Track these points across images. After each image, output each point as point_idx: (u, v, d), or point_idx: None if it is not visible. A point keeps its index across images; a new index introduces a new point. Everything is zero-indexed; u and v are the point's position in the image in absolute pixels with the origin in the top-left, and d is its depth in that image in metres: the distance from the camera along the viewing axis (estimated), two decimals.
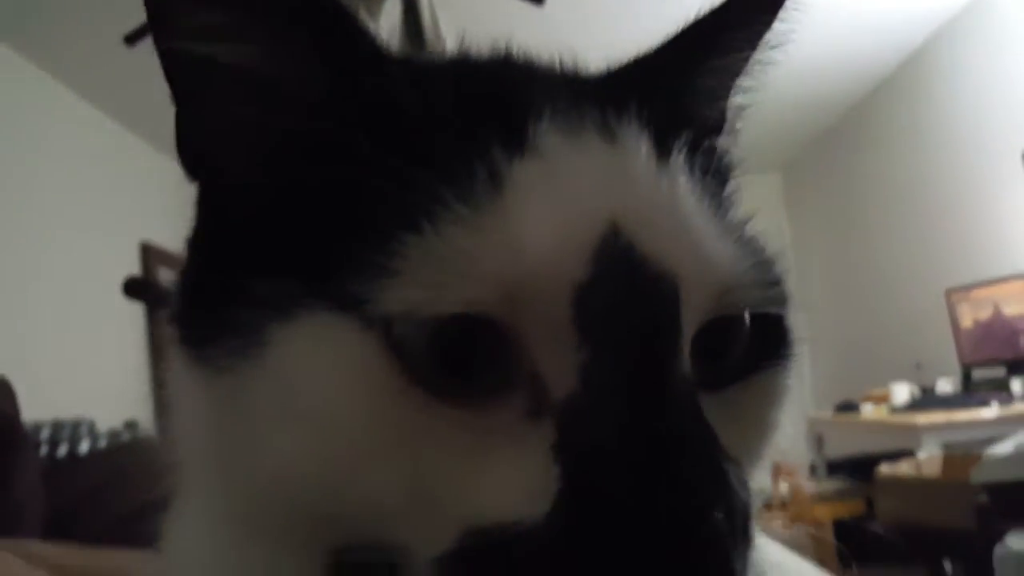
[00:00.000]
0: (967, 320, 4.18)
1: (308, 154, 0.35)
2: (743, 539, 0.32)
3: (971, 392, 3.97)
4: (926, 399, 4.04)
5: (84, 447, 1.70)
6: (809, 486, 4.25)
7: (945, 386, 4.15)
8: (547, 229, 0.32)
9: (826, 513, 3.80)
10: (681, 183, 0.35)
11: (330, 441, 0.32)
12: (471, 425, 0.32)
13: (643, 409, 0.31)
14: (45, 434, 1.70)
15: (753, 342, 0.38)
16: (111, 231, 4.14)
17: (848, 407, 4.60)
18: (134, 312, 3.81)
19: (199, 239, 0.40)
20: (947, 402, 3.82)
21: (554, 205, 0.32)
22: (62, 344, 3.61)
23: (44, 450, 1.60)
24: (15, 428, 1.35)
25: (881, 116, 5.32)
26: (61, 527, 1.16)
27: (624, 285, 0.32)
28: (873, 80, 5.19)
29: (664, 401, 0.31)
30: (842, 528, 3.74)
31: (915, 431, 3.51)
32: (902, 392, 4.25)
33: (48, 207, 3.84)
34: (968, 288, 4.20)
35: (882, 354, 5.18)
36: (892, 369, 4.66)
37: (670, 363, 0.32)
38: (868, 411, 4.30)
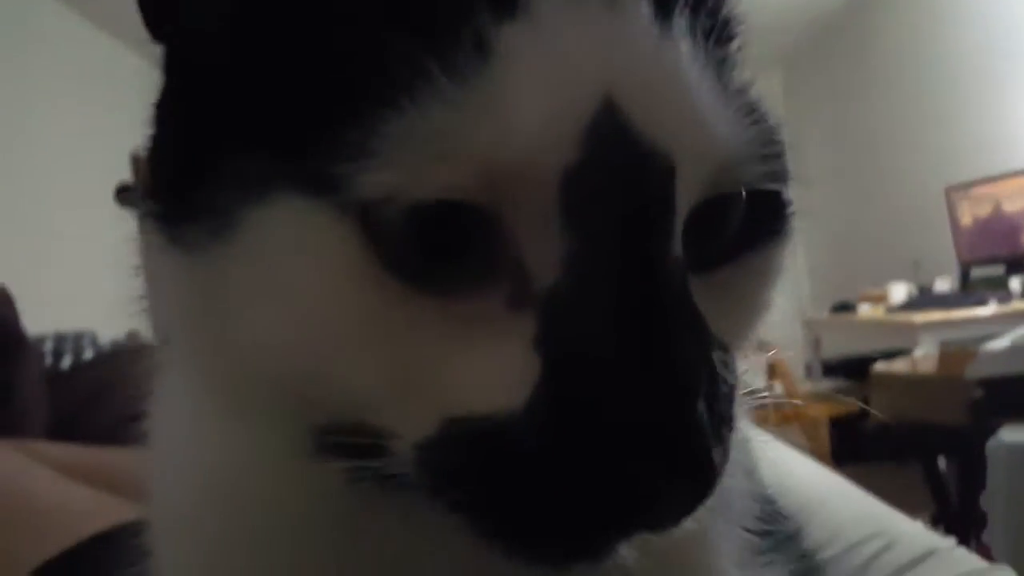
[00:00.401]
0: (966, 218, 4.17)
1: (278, 11, 0.32)
2: (726, 425, 0.31)
3: (969, 291, 3.98)
4: (924, 298, 4.06)
5: (87, 358, 1.71)
6: (805, 386, 4.30)
7: (943, 285, 4.17)
8: (535, 106, 0.29)
9: (821, 413, 3.85)
10: (684, 50, 0.31)
11: (305, 328, 0.31)
12: (452, 315, 0.31)
13: (628, 300, 0.29)
14: (48, 346, 1.70)
15: (748, 219, 0.36)
16: (107, 143, 4.12)
17: (845, 307, 4.62)
18: (133, 225, 3.80)
19: (166, 108, 0.37)
20: (945, 301, 3.83)
21: (545, 78, 0.29)
22: (61, 257, 3.62)
23: (48, 361, 1.61)
24: (16, 333, 1.35)
25: (884, 9, 5.21)
26: (64, 432, 1.18)
27: (616, 167, 0.30)
28: None
29: (651, 292, 0.30)
30: (837, 427, 3.80)
31: (912, 330, 3.53)
32: (899, 291, 4.26)
33: (45, 121, 3.83)
34: (968, 185, 4.18)
35: (880, 253, 5.18)
36: (890, 268, 4.67)
37: (661, 249, 0.30)
38: (865, 311, 4.32)
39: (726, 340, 0.33)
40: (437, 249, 0.31)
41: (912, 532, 0.86)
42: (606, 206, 0.30)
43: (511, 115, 0.29)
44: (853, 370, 4.12)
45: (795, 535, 0.45)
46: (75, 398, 1.37)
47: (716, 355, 0.31)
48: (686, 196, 0.32)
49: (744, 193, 0.35)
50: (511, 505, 0.30)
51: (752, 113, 0.34)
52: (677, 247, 0.31)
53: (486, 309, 0.31)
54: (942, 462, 2.88)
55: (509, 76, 0.29)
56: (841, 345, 4.65)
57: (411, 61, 0.29)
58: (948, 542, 0.84)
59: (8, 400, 1.25)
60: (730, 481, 0.34)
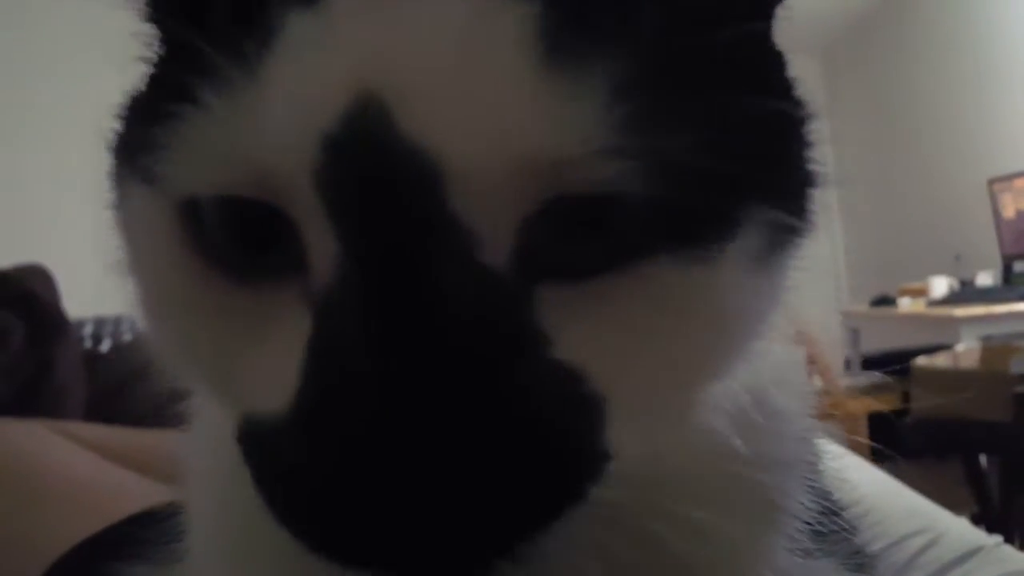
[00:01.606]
0: (1009, 210, 4.10)
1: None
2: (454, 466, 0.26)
3: (1012, 285, 3.92)
4: (965, 292, 4.00)
5: (126, 341, 1.73)
6: (843, 380, 4.25)
7: (985, 279, 4.11)
8: (286, 104, 0.27)
9: (860, 408, 3.81)
10: (497, 38, 0.27)
11: (150, 303, 0.35)
12: (257, 309, 0.30)
13: (385, 314, 0.27)
14: (88, 330, 1.72)
15: (656, 225, 0.29)
16: None
17: (884, 301, 4.57)
18: None
19: None
20: (986, 295, 3.77)
21: (300, 75, 0.27)
22: (104, 241, 3.66)
23: (87, 345, 1.63)
24: (56, 314, 1.37)
25: None
26: (101, 413, 1.19)
27: (364, 170, 0.27)
28: None
29: (413, 303, 0.27)
30: (876, 423, 3.76)
31: (953, 324, 3.48)
32: (940, 285, 4.21)
33: (89, 99, 3.86)
34: (1011, 177, 4.10)
35: (920, 246, 5.11)
36: (931, 262, 4.61)
37: (433, 257, 0.27)
38: (905, 304, 4.27)
39: (614, 381, 0.29)
40: (246, 242, 0.30)
41: (958, 528, 0.84)
42: (361, 210, 0.27)
43: (266, 113, 0.27)
44: (893, 365, 4.07)
45: (850, 530, 0.43)
46: (113, 380, 1.39)
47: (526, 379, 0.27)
48: (499, 199, 0.28)
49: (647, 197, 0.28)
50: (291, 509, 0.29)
51: (635, 113, 0.27)
52: (468, 250, 0.28)
53: (284, 306, 0.30)
54: (983, 460, 2.84)
55: (281, 67, 0.28)
56: (880, 339, 4.59)
57: (201, 54, 0.28)
58: (995, 539, 0.83)
59: (46, 380, 1.27)
60: (779, 479, 0.36)
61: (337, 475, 0.26)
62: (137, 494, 0.85)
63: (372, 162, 0.27)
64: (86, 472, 0.92)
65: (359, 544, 0.27)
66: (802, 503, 0.39)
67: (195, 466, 0.43)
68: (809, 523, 0.39)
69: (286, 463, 0.28)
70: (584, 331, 0.29)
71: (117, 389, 1.33)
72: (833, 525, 0.41)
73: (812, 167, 0.35)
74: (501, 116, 0.27)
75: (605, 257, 0.29)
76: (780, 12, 0.37)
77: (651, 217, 0.29)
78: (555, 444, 0.27)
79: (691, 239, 0.29)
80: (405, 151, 0.26)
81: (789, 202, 0.32)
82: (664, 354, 0.30)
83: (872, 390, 4.04)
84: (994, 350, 2.71)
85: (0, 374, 1.25)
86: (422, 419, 0.26)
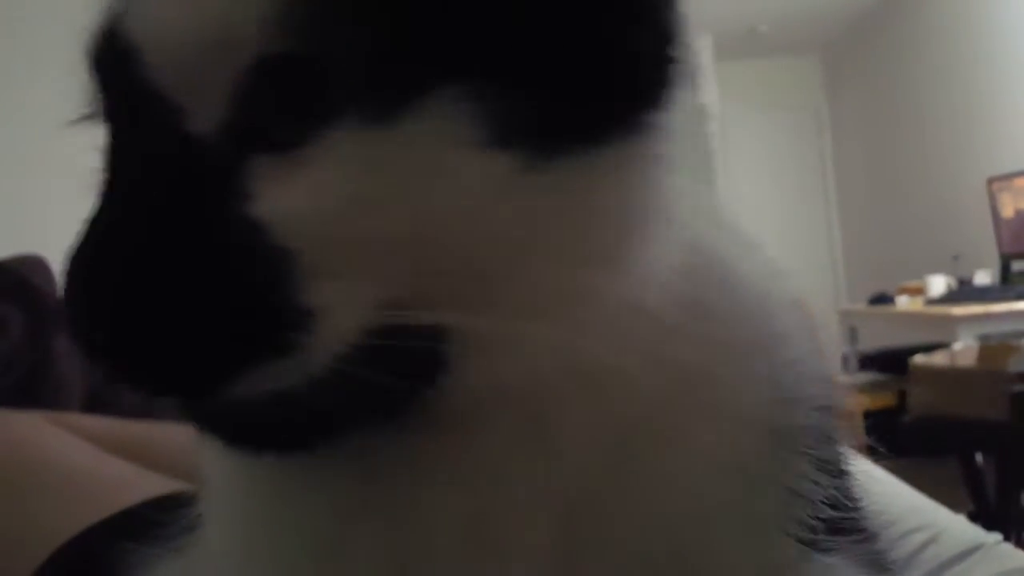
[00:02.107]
0: (1008, 209, 4.10)
1: None
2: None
3: (1010, 284, 3.92)
4: (963, 291, 4.01)
5: None
6: (840, 379, 4.26)
7: (983, 278, 4.11)
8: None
9: (856, 405, 3.82)
10: None
11: None
12: None
13: (110, 170, 0.32)
14: None
15: (345, 94, 0.30)
16: None
17: (882, 299, 4.57)
18: None
19: None
20: (984, 294, 3.78)
21: None
22: None
23: None
24: (53, 304, 1.36)
25: None
26: (99, 405, 1.19)
27: (99, 52, 0.33)
28: None
29: (126, 162, 0.32)
30: (872, 420, 3.76)
31: (951, 323, 3.49)
32: (938, 284, 4.21)
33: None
34: (1010, 177, 4.11)
35: (919, 245, 5.12)
36: (929, 260, 4.62)
37: (140, 125, 0.31)
38: (903, 303, 4.27)
39: (321, 243, 0.30)
40: None
41: (957, 526, 0.84)
42: (103, 92, 0.34)
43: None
44: (890, 363, 4.08)
45: (870, 533, 0.42)
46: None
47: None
48: (197, 71, 0.30)
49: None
50: None
51: None
52: (174, 121, 0.31)
53: None
54: (979, 458, 2.84)
55: None
56: (878, 337, 4.60)
57: None
58: (994, 537, 0.83)
59: (45, 371, 1.26)
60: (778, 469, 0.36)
61: (78, 306, 0.31)
62: (136, 485, 0.85)
63: (103, 43, 0.33)
64: (85, 463, 0.91)
65: (105, 361, 0.31)
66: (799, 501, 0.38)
67: (212, 458, 0.43)
68: (825, 505, 0.38)
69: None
70: (292, 197, 0.30)
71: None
72: (851, 517, 0.39)
73: (619, 49, 0.32)
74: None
75: (306, 126, 0.30)
76: None
77: (340, 85, 0.30)
78: (245, 291, 0.30)
79: (378, 109, 0.30)
80: (116, 40, 0.32)
81: (532, 83, 0.31)
82: (364, 221, 0.31)
83: (869, 388, 4.05)
84: (992, 349, 2.72)
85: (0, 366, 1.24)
86: (130, 264, 0.30)
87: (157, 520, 0.49)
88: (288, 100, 0.30)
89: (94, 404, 1.22)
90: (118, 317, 0.29)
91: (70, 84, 0.38)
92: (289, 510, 0.38)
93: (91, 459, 0.93)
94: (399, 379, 0.31)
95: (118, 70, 0.32)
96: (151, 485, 0.85)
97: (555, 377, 0.34)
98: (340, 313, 0.30)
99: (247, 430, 0.34)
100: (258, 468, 0.37)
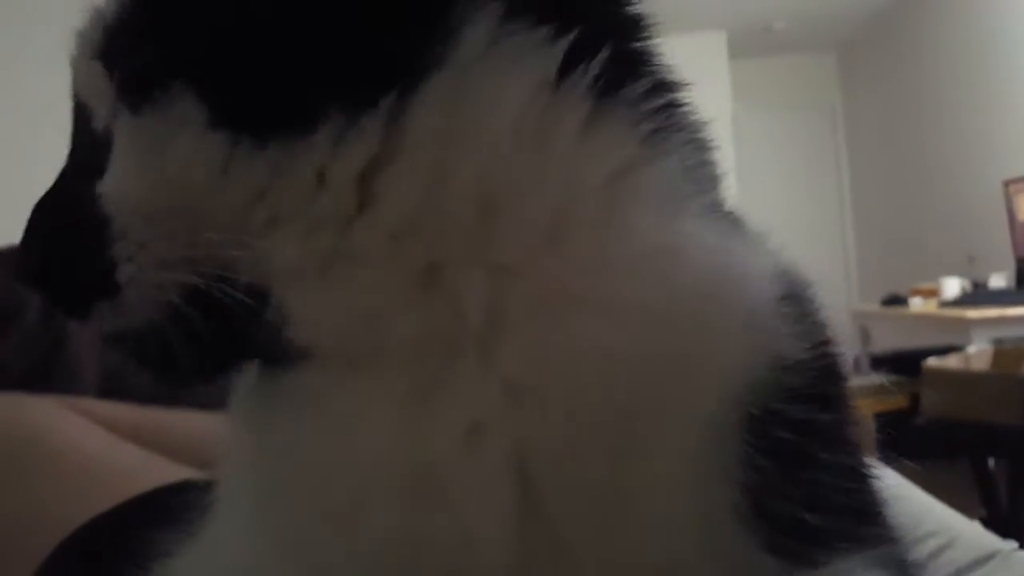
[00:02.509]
0: None
1: None
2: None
3: None
4: (977, 294, 3.99)
5: None
6: (852, 380, 4.24)
7: (998, 281, 4.09)
8: None
9: (867, 407, 3.80)
10: None
11: None
12: None
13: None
14: None
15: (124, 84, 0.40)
16: None
17: (896, 300, 4.55)
18: None
19: None
20: (999, 297, 3.76)
21: None
22: None
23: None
24: None
25: None
26: (113, 390, 1.19)
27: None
28: None
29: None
30: (884, 422, 3.74)
31: (965, 326, 3.47)
32: (952, 286, 4.20)
33: None
34: None
35: (933, 246, 5.10)
36: (943, 262, 4.60)
37: (79, 130, 0.43)
38: (916, 305, 4.25)
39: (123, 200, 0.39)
40: None
41: (972, 532, 0.83)
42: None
43: None
44: (903, 365, 4.05)
45: (891, 535, 0.40)
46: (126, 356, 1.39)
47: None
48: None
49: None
50: None
51: None
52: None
53: None
54: (991, 462, 2.83)
55: None
56: (891, 339, 4.58)
57: None
58: (1010, 544, 0.82)
59: (60, 356, 1.26)
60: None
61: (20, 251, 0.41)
62: (149, 472, 0.85)
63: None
64: (98, 450, 0.91)
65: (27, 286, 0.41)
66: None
67: (231, 446, 0.44)
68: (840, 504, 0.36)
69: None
70: (109, 174, 0.40)
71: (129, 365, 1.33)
72: (870, 517, 0.38)
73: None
74: None
75: (109, 119, 0.41)
76: None
77: (119, 88, 0.40)
78: (81, 245, 0.39)
79: (135, 101, 0.39)
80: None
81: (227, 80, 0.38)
82: (135, 191, 0.39)
83: (880, 390, 4.03)
84: (1006, 353, 2.70)
85: (14, 349, 1.24)
86: (36, 226, 0.41)
87: (169, 507, 0.51)
88: (105, 100, 0.41)
89: (107, 388, 1.22)
90: (28, 261, 0.41)
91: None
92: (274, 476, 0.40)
93: (105, 445, 0.93)
94: (223, 323, 0.38)
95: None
96: (164, 472, 0.85)
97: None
98: (139, 264, 0.38)
99: (145, 360, 0.41)
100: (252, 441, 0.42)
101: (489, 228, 0.36)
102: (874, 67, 6.07)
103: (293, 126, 0.36)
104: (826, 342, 0.39)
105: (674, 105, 0.41)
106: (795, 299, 0.38)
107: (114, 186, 0.40)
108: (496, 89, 0.37)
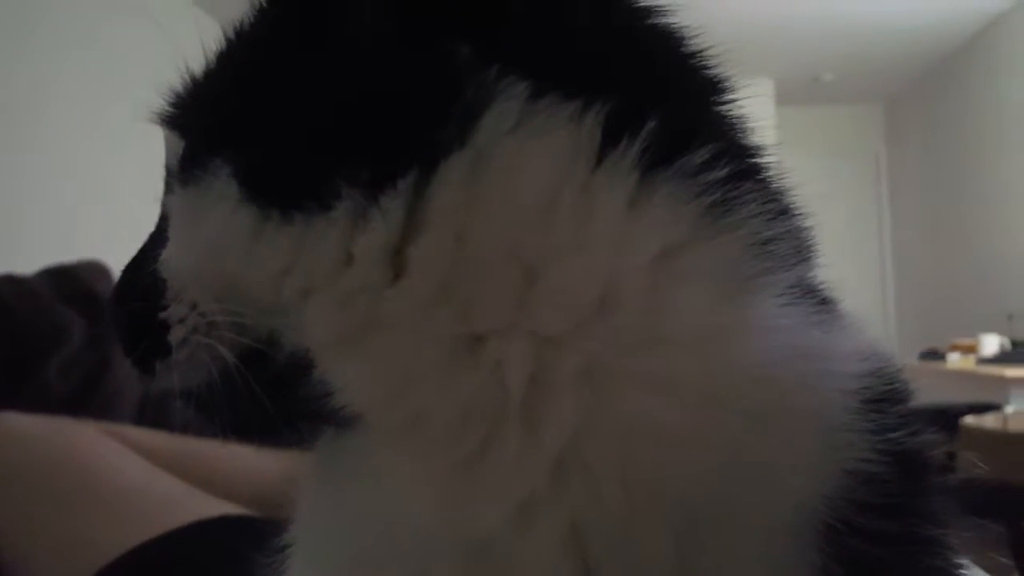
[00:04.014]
0: None
1: None
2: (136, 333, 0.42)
3: None
4: (1017, 352, 3.93)
5: None
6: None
7: None
8: None
9: None
10: None
11: None
12: None
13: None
14: None
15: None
16: None
17: (933, 355, 4.49)
18: None
19: None
20: None
21: None
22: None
23: None
24: None
25: (994, 53, 5.08)
26: (152, 413, 1.20)
27: None
28: (987, 16, 4.96)
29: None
30: None
31: (1003, 384, 3.42)
32: (991, 343, 4.13)
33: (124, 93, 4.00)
34: None
35: (973, 302, 5.04)
36: (982, 319, 4.54)
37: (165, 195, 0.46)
38: (954, 360, 4.19)
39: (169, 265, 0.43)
40: None
41: None
42: None
43: None
44: (938, 420, 3.99)
45: None
46: None
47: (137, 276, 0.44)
48: None
49: None
50: None
51: None
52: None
53: None
54: None
55: None
56: (927, 394, 4.51)
57: None
58: None
59: (103, 380, 1.27)
60: None
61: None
62: (187, 505, 0.86)
63: None
64: (138, 479, 0.92)
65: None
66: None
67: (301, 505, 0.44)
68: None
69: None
70: (174, 235, 0.43)
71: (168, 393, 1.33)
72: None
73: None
74: None
75: (166, 191, 0.45)
76: None
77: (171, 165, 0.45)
78: (142, 306, 0.42)
79: (183, 177, 0.42)
80: None
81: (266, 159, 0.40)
82: (181, 258, 0.43)
83: None
84: None
85: (58, 371, 1.26)
86: (119, 287, 0.45)
87: (206, 541, 0.53)
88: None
89: (146, 414, 1.23)
90: (110, 313, 0.45)
91: (137, 106, 0.45)
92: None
93: (144, 475, 0.94)
94: (274, 385, 0.39)
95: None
96: (202, 506, 0.86)
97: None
98: (189, 327, 0.41)
99: (207, 417, 0.42)
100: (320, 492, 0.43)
101: (530, 299, 0.36)
102: (920, 121, 6.04)
103: (312, 203, 0.37)
104: (914, 434, 0.37)
105: (747, 172, 0.39)
106: (881, 395, 0.36)
107: (169, 253, 0.43)
108: (523, 165, 0.36)
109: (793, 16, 4.80)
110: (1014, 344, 4.13)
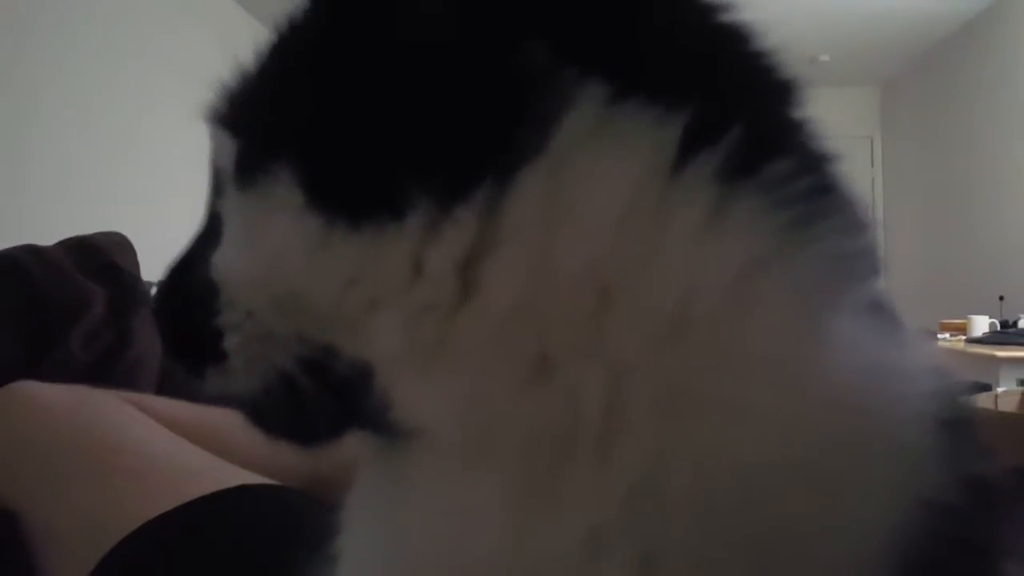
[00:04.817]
0: None
1: None
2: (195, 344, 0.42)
3: None
4: (1006, 333, 3.96)
5: None
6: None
7: None
8: None
9: None
10: None
11: None
12: None
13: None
14: (150, 292, 1.73)
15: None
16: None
17: (925, 335, 4.52)
18: None
19: None
20: None
21: None
22: (171, 209, 3.88)
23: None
24: (137, 284, 1.37)
25: (990, 38, 5.09)
26: (173, 383, 1.20)
27: None
28: (983, 1, 4.97)
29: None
30: None
31: (993, 364, 3.44)
32: (981, 324, 4.16)
33: (154, 71, 4.12)
34: None
35: (964, 284, 5.07)
36: (973, 300, 4.56)
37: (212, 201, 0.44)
38: (944, 341, 4.22)
39: (219, 271, 0.41)
40: None
41: None
42: None
43: None
44: None
45: None
46: None
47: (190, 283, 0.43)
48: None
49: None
50: None
51: None
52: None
53: None
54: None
55: None
56: None
57: None
58: None
59: (124, 350, 1.27)
60: None
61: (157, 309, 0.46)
62: (211, 474, 0.84)
63: None
64: (162, 448, 0.91)
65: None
66: None
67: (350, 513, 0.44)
68: None
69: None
70: (229, 239, 0.41)
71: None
72: None
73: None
74: None
75: (216, 194, 0.44)
76: None
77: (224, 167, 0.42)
78: (196, 308, 0.41)
79: (240, 181, 0.40)
80: None
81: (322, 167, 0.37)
82: (236, 264, 0.41)
83: None
84: None
85: (80, 342, 1.26)
86: (167, 287, 0.45)
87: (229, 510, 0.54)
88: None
89: (166, 383, 1.24)
90: (157, 316, 0.45)
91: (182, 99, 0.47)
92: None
93: (168, 444, 0.93)
94: (330, 395, 0.38)
95: None
96: (224, 475, 0.85)
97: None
98: (244, 334, 0.40)
99: (258, 422, 0.42)
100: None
101: (605, 320, 0.33)
102: (915, 105, 6.05)
103: (383, 212, 0.35)
104: (985, 458, 0.36)
105: (825, 184, 0.37)
106: (951, 416, 0.35)
107: (223, 257, 0.41)
108: (602, 175, 0.34)
109: None
110: (1003, 325, 4.17)
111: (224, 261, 0.41)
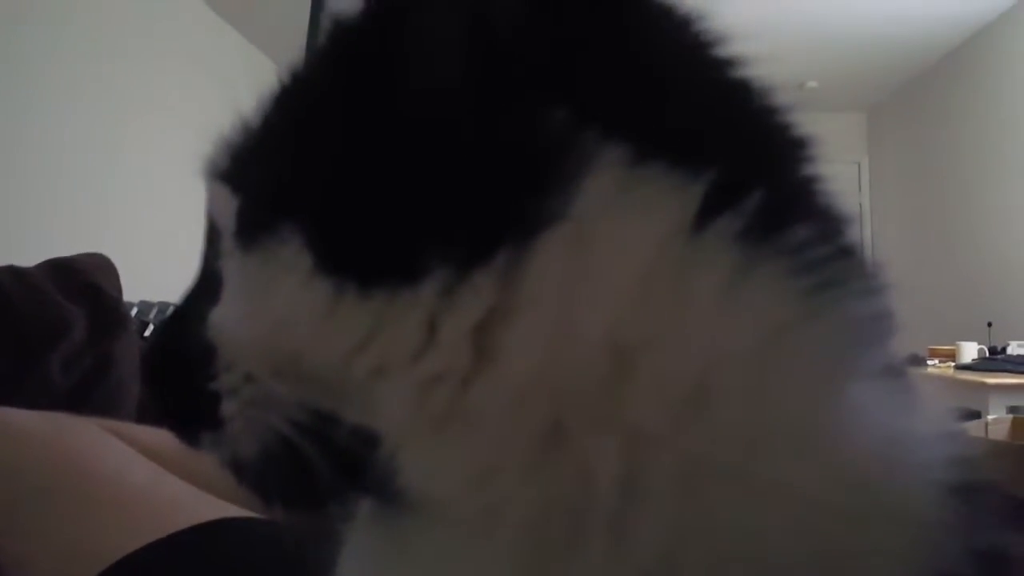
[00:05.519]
0: None
1: None
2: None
3: None
4: (995, 359, 3.97)
5: None
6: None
7: (1018, 349, 4.07)
8: None
9: None
10: None
11: None
12: None
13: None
14: (132, 313, 1.72)
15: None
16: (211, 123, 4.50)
17: (914, 361, 4.53)
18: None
19: None
20: (1017, 364, 3.74)
21: None
22: (154, 229, 3.82)
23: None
24: (119, 308, 1.36)
25: (975, 66, 5.14)
26: (151, 413, 1.18)
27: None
28: (970, 28, 5.03)
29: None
30: None
31: (983, 391, 3.46)
32: (970, 350, 4.17)
33: (158, 101, 4.18)
34: None
35: (953, 310, 5.08)
36: (962, 326, 4.58)
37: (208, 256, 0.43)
38: (933, 367, 4.23)
39: (218, 329, 0.39)
40: None
41: None
42: None
43: None
44: None
45: None
46: None
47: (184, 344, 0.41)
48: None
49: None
50: None
51: None
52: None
53: None
54: None
55: None
56: None
57: None
58: None
59: (105, 376, 1.26)
60: None
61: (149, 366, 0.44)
62: (190, 507, 0.84)
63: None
64: (142, 479, 0.89)
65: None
66: None
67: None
68: None
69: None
70: (230, 300, 0.39)
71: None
72: None
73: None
74: None
75: (217, 256, 0.41)
76: None
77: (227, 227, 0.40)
78: (192, 368, 0.39)
79: (244, 241, 0.38)
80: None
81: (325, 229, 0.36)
82: (238, 326, 0.39)
83: None
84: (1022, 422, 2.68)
85: (60, 366, 1.24)
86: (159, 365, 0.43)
87: (209, 545, 0.52)
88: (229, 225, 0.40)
89: (148, 410, 1.22)
90: (147, 376, 0.44)
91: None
92: None
93: (149, 475, 0.92)
94: (328, 461, 0.36)
95: None
96: (207, 507, 0.84)
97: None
98: (242, 399, 0.38)
99: (257, 488, 0.39)
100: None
101: (624, 388, 0.32)
102: (901, 130, 6.10)
103: (397, 277, 0.34)
104: (999, 528, 0.34)
105: (844, 249, 0.36)
106: (965, 484, 0.33)
107: (222, 317, 0.39)
108: (624, 239, 0.33)
109: (780, 23, 4.83)
110: (992, 352, 4.18)
111: (223, 321, 0.39)
